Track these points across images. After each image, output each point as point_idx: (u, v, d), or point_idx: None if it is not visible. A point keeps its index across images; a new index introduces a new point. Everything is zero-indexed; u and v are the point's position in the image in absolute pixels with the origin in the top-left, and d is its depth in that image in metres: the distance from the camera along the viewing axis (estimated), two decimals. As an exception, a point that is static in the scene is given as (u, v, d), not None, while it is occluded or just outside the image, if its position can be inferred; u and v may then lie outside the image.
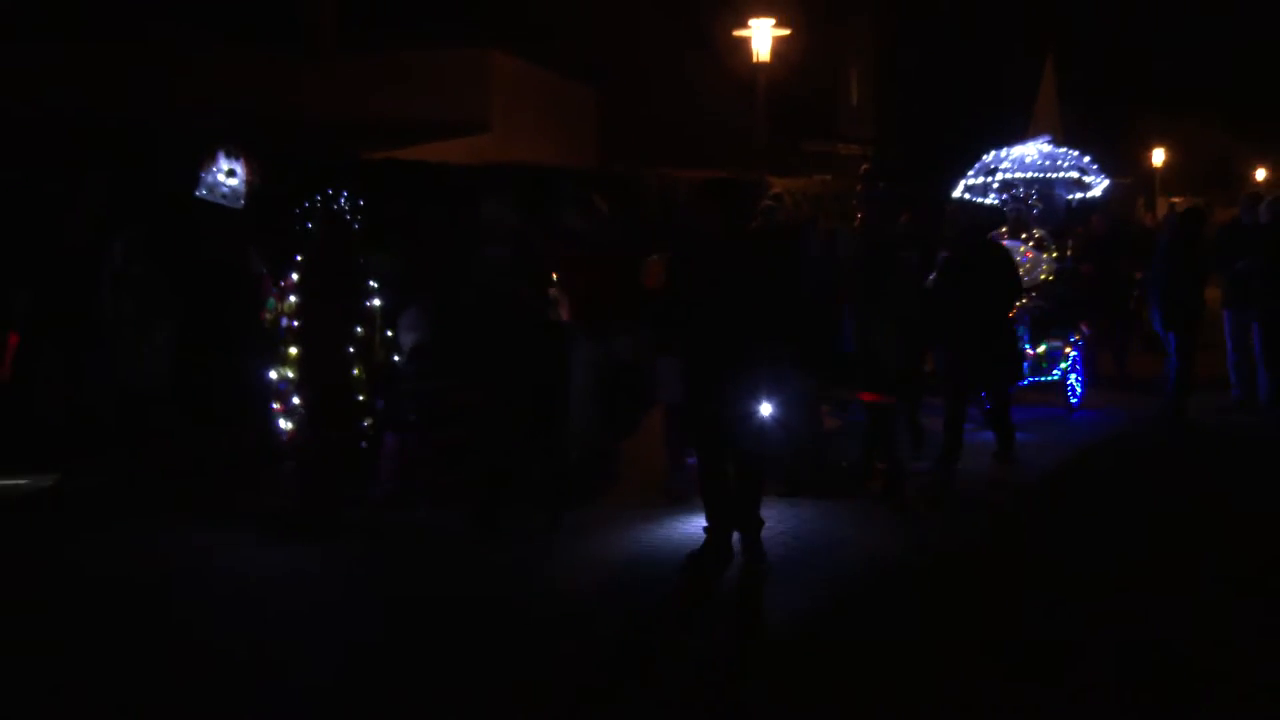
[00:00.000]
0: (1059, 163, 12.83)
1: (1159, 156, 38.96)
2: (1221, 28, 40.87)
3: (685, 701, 5.18)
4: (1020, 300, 10.47)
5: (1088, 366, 12.15)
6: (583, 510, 7.73)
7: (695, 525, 7.35)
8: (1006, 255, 9.56)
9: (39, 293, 8.22)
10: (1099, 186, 13.02)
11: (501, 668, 5.48)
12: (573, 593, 6.49)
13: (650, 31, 21.75)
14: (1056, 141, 13.87)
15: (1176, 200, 30.67)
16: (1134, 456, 10.23)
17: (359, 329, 7.74)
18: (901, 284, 8.55)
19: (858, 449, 8.75)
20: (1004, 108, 26.41)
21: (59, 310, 8.20)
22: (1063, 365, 11.61)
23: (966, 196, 12.45)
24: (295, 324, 7.68)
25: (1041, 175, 12.68)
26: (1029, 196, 12.57)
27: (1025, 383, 11.32)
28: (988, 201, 12.54)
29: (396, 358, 7.92)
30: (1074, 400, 11.78)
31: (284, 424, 7.68)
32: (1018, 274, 9.49)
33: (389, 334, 7.89)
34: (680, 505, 7.93)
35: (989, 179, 12.70)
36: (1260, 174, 41.74)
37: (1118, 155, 34.47)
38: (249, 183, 8.29)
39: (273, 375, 7.71)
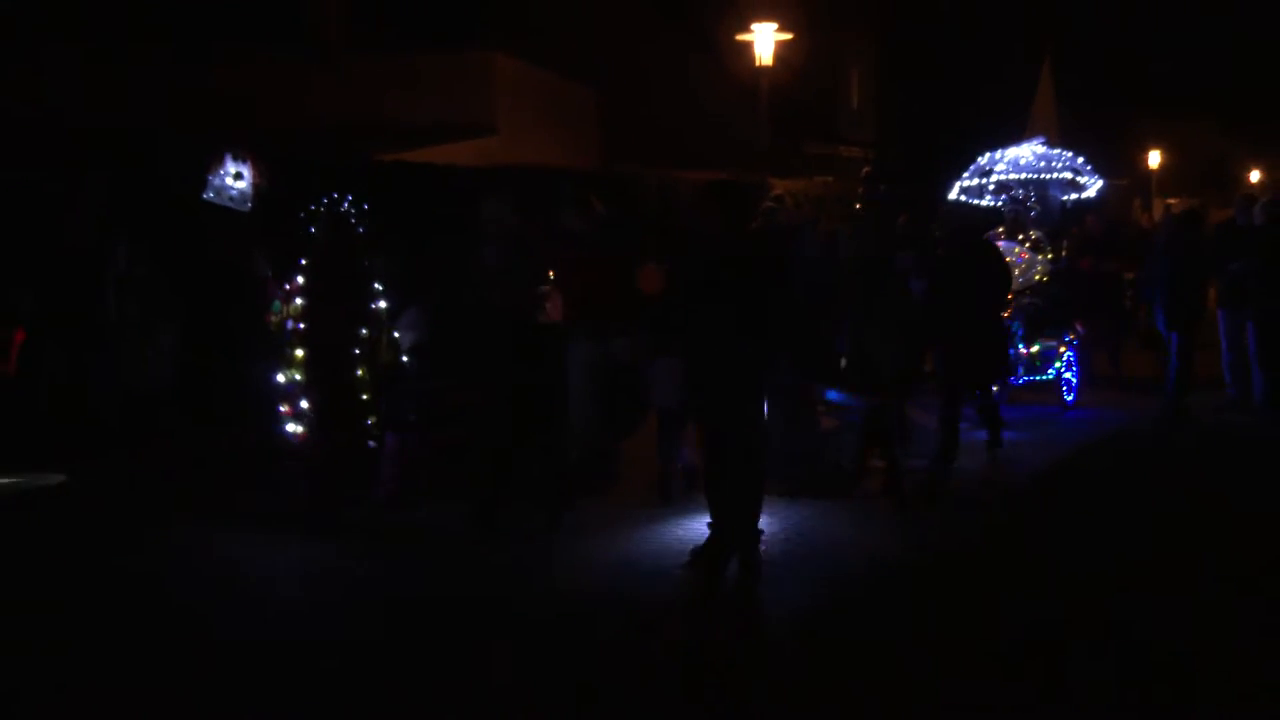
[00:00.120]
0: (1053, 164, 12.76)
1: (1155, 158, 38.83)
2: (1217, 31, 40.72)
3: (685, 701, 5.10)
4: (1009, 299, 10.42)
5: (1082, 366, 12.08)
6: (582, 510, 7.66)
7: (693, 525, 7.30)
8: (998, 254, 9.51)
9: (42, 293, 8.16)
10: (1093, 187, 12.95)
11: (501, 667, 5.40)
12: (572, 592, 6.41)
13: (653, 35, 21.68)
14: (1053, 143, 13.81)
15: (1172, 201, 30.59)
16: (1130, 455, 10.15)
17: (364, 330, 7.66)
18: (898, 286, 8.49)
19: (855, 449, 8.66)
20: (1002, 110, 26.33)
21: (62, 311, 8.14)
22: (1057, 364, 11.56)
23: (962, 198, 12.40)
24: (301, 326, 7.61)
25: (1036, 176, 12.62)
26: (1028, 198, 12.49)
27: (1020, 381, 11.29)
28: (983, 203, 12.49)
29: (405, 358, 7.84)
30: (1069, 399, 11.73)
31: (292, 427, 7.60)
32: (1009, 273, 9.43)
33: (394, 335, 7.81)
34: (677, 505, 7.86)
35: (984, 180, 12.64)
36: (1255, 175, 41.58)
37: (1114, 157, 34.38)
38: (256, 185, 8.21)
39: (279, 378, 7.63)
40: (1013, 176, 12.70)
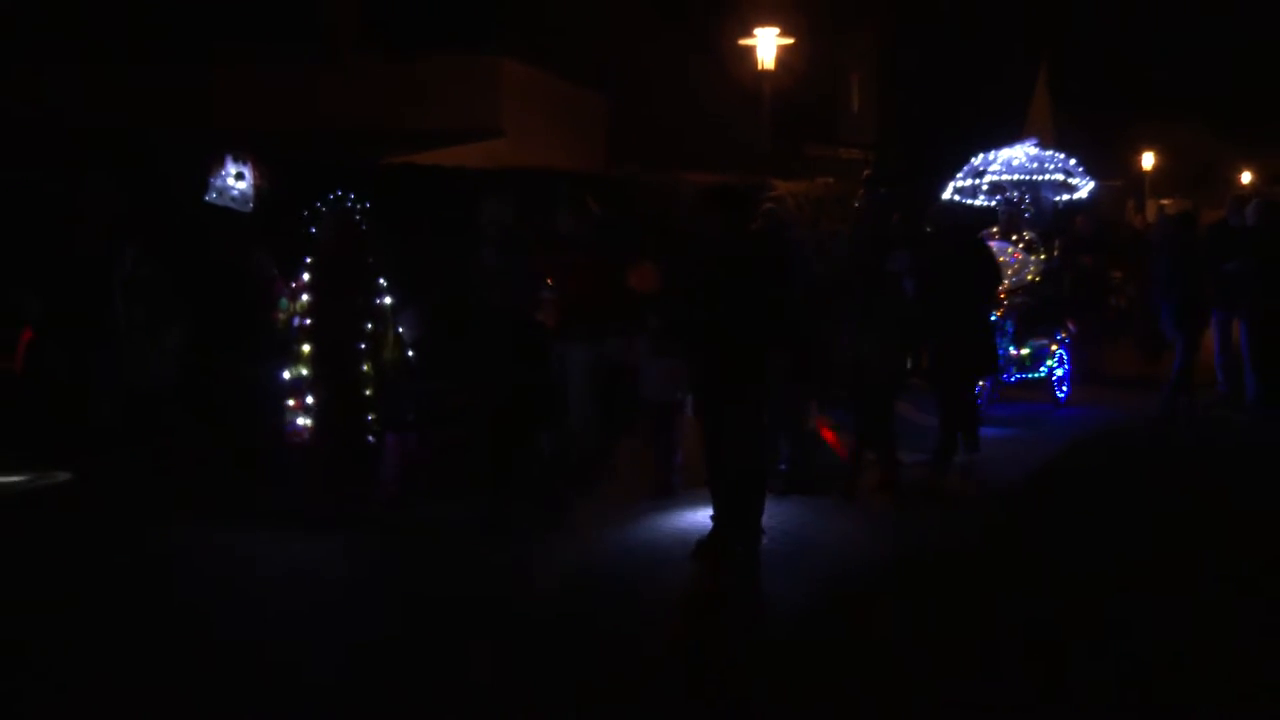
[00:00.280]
0: (1046, 165, 12.66)
1: (1149, 160, 38.69)
2: (1209, 35, 40.59)
3: (686, 699, 4.97)
4: (1000, 300, 10.31)
5: (1074, 364, 11.96)
6: (582, 507, 7.52)
7: (693, 520, 7.16)
8: (988, 253, 9.39)
9: (48, 294, 8.05)
10: (1085, 188, 12.84)
11: (502, 666, 5.26)
12: (571, 591, 6.29)
13: (658, 41, 21.57)
14: (1049, 145, 13.71)
15: (1166, 202, 30.47)
16: (1123, 453, 10.03)
17: (369, 326, 7.54)
18: (893, 286, 8.40)
19: (848, 446, 8.55)
20: (1000, 112, 26.22)
21: (68, 312, 8.03)
22: (1050, 362, 11.46)
23: (956, 198, 12.29)
24: (307, 322, 7.49)
25: (1029, 178, 12.52)
26: (1022, 199, 12.36)
27: (1013, 379, 11.20)
28: (977, 203, 12.37)
29: (411, 353, 7.71)
30: (1061, 396, 11.63)
31: (300, 421, 7.47)
32: (998, 272, 9.30)
33: (399, 331, 7.68)
34: (677, 501, 7.74)
35: (978, 181, 12.53)
36: (1246, 177, 41.40)
37: (1109, 158, 34.27)
38: (257, 186, 8.09)
39: (286, 374, 7.51)
40: (1006, 177, 12.58)
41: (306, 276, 7.57)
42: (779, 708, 4.92)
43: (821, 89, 24.99)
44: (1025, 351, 11.32)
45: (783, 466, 8.10)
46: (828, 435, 8.57)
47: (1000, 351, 10.39)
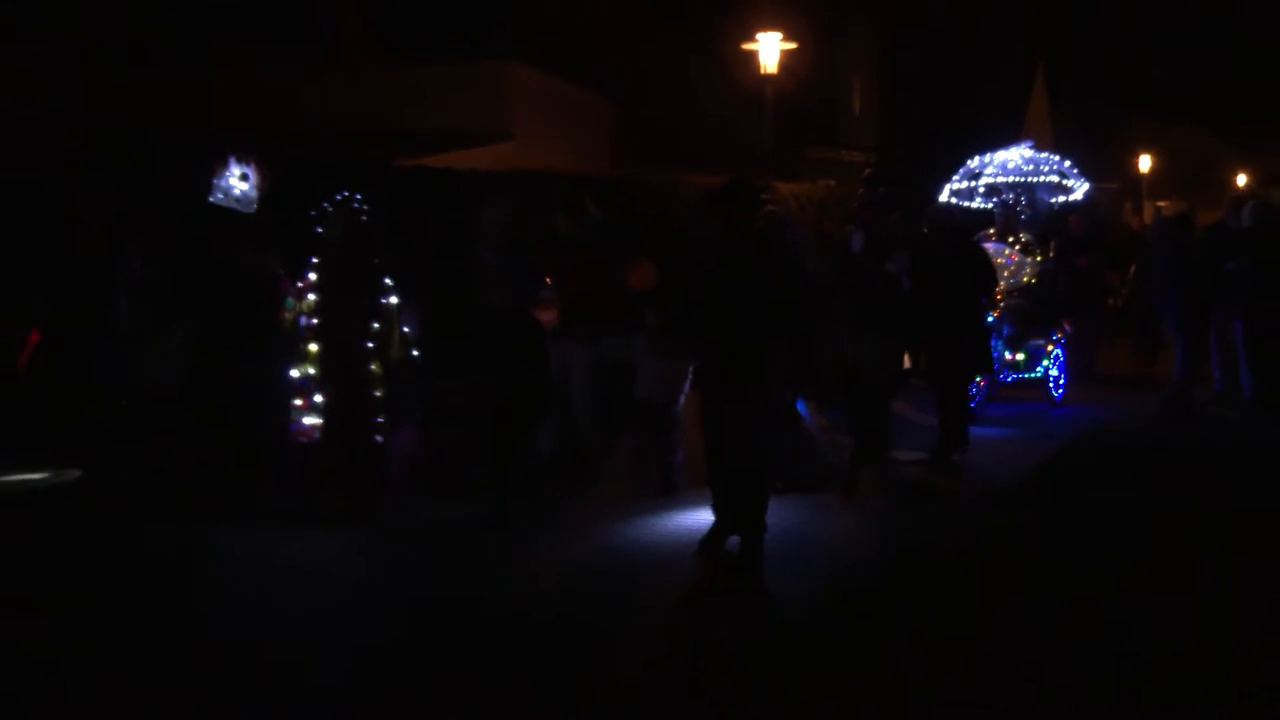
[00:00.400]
0: (1041, 167, 12.56)
1: (1146, 162, 38.55)
2: (1206, 37, 40.44)
3: (687, 699, 4.86)
4: (997, 301, 10.20)
5: (1070, 363, 11.88)
6: (582, 507, 7.41)
7: (692, 521, 7.08)
8: (983, 255, 9.28)
9: (53, 295, 7.97)
10: (1080, 190, 12.74)
11: (502, 666, 5.16)
12: (572, 590, 6.19)
13: (662, 45, 21.51)
14: (1047, 148, 13.62)
15: (1163, 204, 30.30)
16: (1120, 452, 9.90)
17: (376, 325, 7.45)
18: (890, 286, 8.32)
19: (845, 446, 8.45)
20: (998, 114, 26.10)
21: (72, 313, 7.95)
22: (1045, 362, 11.36)
23: (953, 200, 12.19)
24: (314, 322, 7.40)
25: (1024, 180, 12.42)
26: (1018, 201, 12.25)
27: (1010, 379, 11.12)
28: (974, 205, 12.27)
29: (415, 353, 7.62)
30: (1057, 396, 11.57)
31: (306, 421, 7.38)
32: (994, 273, 9.20)
33: (405, 330, 7.59)
34: (677, 501, 7.64)
35: (974, 183, 12.42)
36: (1241, 179, 41.23)
37: (1106, 161, 34.15)
38: (260, 188, 8.01)
39: (294, 373, 7.41)
40: (1002, 180, 12.47)
41: (313, 276, 7.48)
42: (780, 707, 4.81)
43: (823, 92, 24.93)
44: (1021, 357, 11.22)
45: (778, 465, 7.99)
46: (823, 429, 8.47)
47: (996, 354, 10.30)
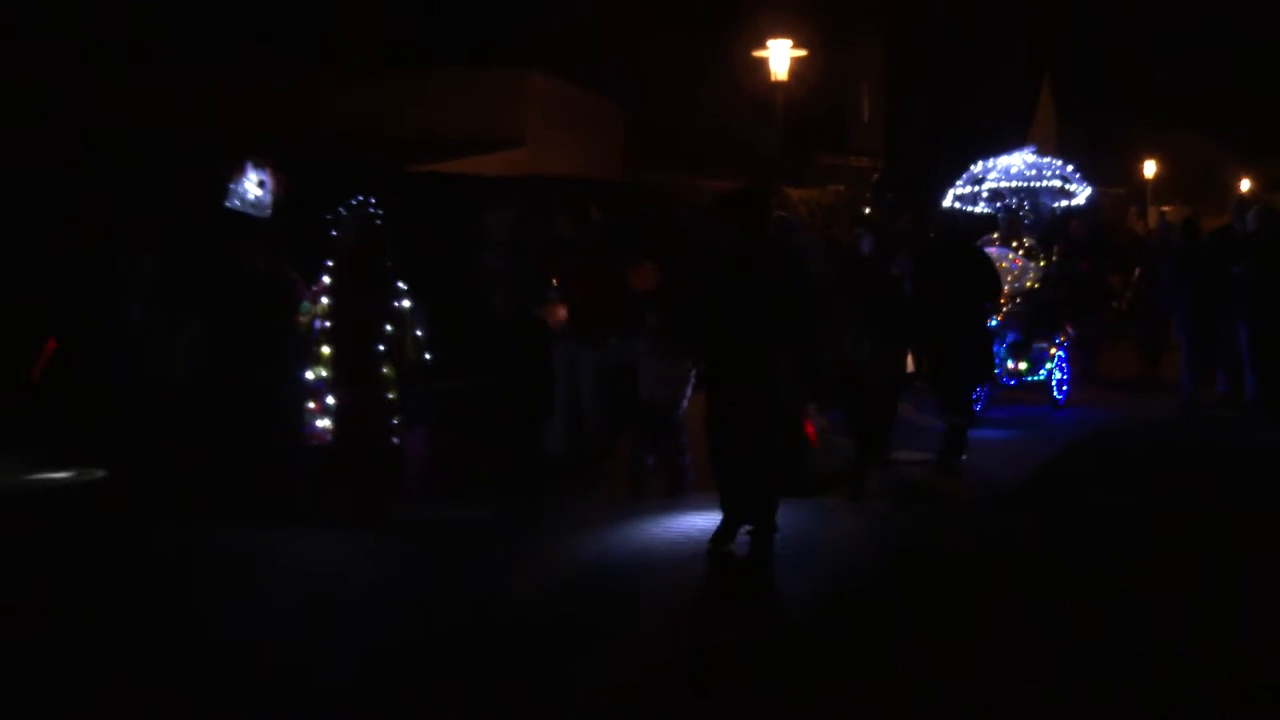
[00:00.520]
0: (1043, 172, 12.47)
1: (1150, 168, 38.37)
2: (1209, 44, 40.22)
3: (692, 699, 4.81)
4: (1004, 307, 10.11)
5: (1072, 366, 11.83)
6: (588, 507, 7.37)
7: (698, 521, 7.00)
8: (985, 260, 9.18)
9: (64, 299, 7.95)
10: (1082, 194, 12.65)
11: (503, 666, 5.10)
12: (575, 590, 6.11)
13: (674, 52, 21.47)
14: (1053, 154, 13.53)
15: (1167, 209, 30.15)
16: (1122, 453, 9.79)
17: (389, 328, 7.40)
18: (894, 289, 8.25)
19: (845, 449, 8.39)
20: (1004, 121, 26.02)
21: (83, 316, 7.92)
22: (1049, 365, 11.27)
23: (956, 205, 12.12)
24: (327, 324, 7.36)
25: (1027, 184, 12.33)
26: (1021, 205, 12.17)
27: (1013, 382, 11.02)
28: (977, 209, 12.20)
29: (427, 356, 7.57)
30: (1059, 398, 11.49)
31: (319, 423, 7.34)
32: (996, 279, 9.09)
33: (418, 333, 7.54)
34: (684, 502, 7.58)
35: (977, 188, 12.34)
36: (1245, 184, 41.00)
37: (1112, 167, 34.00)
38: (275, 193, 7.98)
39: (308, 375, 7.37)
40: (1004, 184, 12.38)
41: (326, 279, 7.44)
42: (781, 708, 4.75)
43: (832, 99, 24.89)
44: (1024, 366, 11.14)
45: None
46: (809, 431, 8.38)
47: (998, 361, 10.21)
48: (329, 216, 7.49)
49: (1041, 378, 11.33)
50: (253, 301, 7.80)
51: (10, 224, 8.52)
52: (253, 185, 7.99)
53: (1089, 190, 12.82)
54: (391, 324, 7.40)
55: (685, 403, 7.89)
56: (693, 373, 7.83)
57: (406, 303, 7.45)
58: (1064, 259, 12.66)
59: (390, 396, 7.36)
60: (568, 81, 19.17)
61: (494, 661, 5.18)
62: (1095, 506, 7.85)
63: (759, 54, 18.99)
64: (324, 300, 7.41)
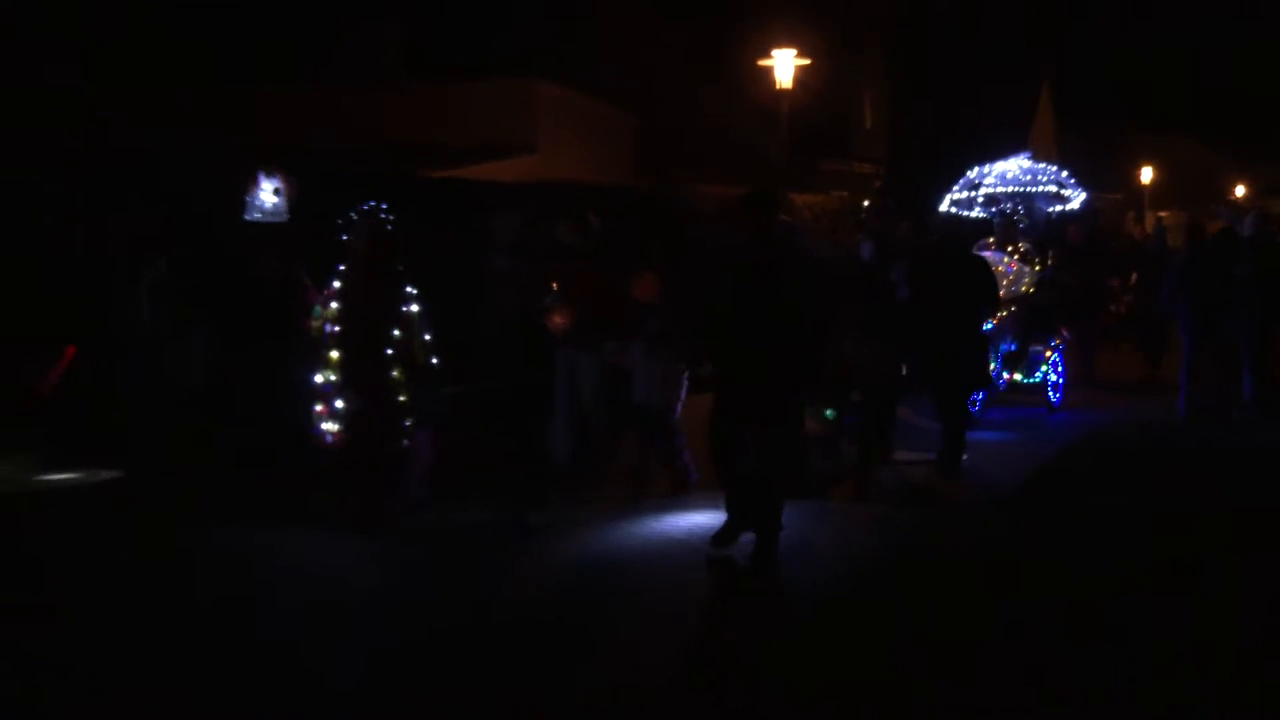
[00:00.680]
0: (1039, 177, 12.35)
1: (1147, 174, 38.20)
2: (1205, 52, 40.07)
3: (695, 699, 4.71)
4: (1000, 313, 9.99)
5: (1068, 369, 11.74)
6: (590, 508, 7.28)
7: (696, 520, 6.91)
8: (983, 266, 9.05)
9: (79, 303, 7.89)
10: (1076, 199, 12.53)
11: (504, 667, 5.01)
12: (577, 591, 6.00)
13: (682, 62, 21.43)
14: (1053, 160, 13.40)
15: (1164, 214, 29.97)
16: (1119, 454, 9.60)
17: (398, 332, 7.31)
18: (890, 294, 8.15)
19: (846, 451, 8.28)
20: (1004, 129, 25.89)
21: (99, 320, 7.86)
22: (1044, 368, 11.17)
23: (953, 210, 12.01)
24: (337, 329, 7.28)
25: (1023, 189, 12.21)
26: (1015, 210, 12.05)
27: (1005, 386, 10.90)
28: (974, 214, 12.08)
29: (435, 360, 7.48)
30: (1055, 400, 11.37)
31: (328, 426, 7.26)
32: (994, 286, 8.96)
33: (426, 337, 7.45)
34: (685, 501, 7.47)
35: (973, 193, 12.22)
36: (1240, 189, 40.81)
37: (1110, 173, 33.86)
38: (289, 197, 7.93)
39: (318, 379, 7.29)
40: (1000, 190, 12.27)
41: (338, 284, 7.37)
42: (782, 707, 4.65)
43: (836, 106, 24.84)
44: (1019, 377, 11.02)
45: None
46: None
47: (995, 370, 10.09)
48: (341, 222, 7.41)
49: (1037, 380, 11.24)
50: (264, 305, 7.72)
51: (39, 236, 8.49)
52: (268, 194, 7.96)
53: (1084, 195, 12.71)
54: (401, 328, 7.32)
55: (680, 405, 7.82)
56: (686, 375, 7.77)
57: (415, 307, 7.37)
58: (1060, 265, 12.55)
59: (400, 400, 7.27)
60: (578, 90, 19.16)
61: (496, 662, 5.08)
62: (1094, 508, 7.70)
63: (764, 63, 18.96)
64: (333, 305, 7.34)
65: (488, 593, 6.03)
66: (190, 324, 7.96)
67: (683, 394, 7.75)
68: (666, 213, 12.43)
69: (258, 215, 8.06)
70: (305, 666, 5.02)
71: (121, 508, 7.38)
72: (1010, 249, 11.54)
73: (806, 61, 18.89)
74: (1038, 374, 11.22)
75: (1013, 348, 10.83)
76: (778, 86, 18.58)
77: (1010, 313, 10.76)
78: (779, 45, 18.57)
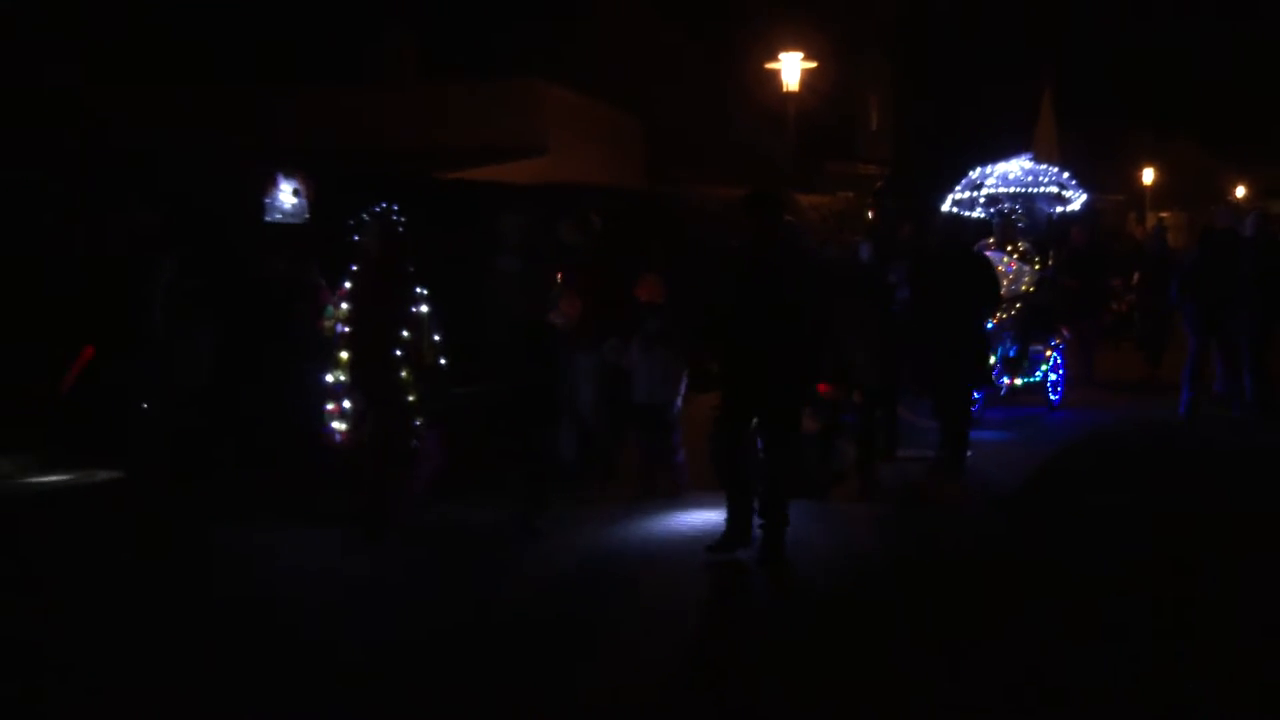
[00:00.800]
0: (1040, 178, 12.23)
1: (1149, 175, 38.00)
2: (1205, 55, 39.82)
3: (696, 698, 4.63)
4: (1000, 313, 9.87)
5: (1068, 368, 11.63)
6: (592, 509, 7.19)
7: (696, 520, 6.82)
8: (985, 265, 8.94)
9: (90, 303, 7.83)
10: (1077, 200, 12.41)
11: (511, 667, 4.93)
12: (578, 591, 5.91)
13: (690, 65, 21.37)
14: (1055, 162, 13.28)
15: (1165, 215, 29.83)
16: (1118, 454, 9.49)
17: (406, 333, 7.24)
18: (888, 295, 8.06)
19: (846, 451, 8.19)
20: (1007, 130, 25.74)
21: (109, 321, 7.79)
22: (1044, 367, 11.06)
23: (955, 210, 11.88)
24: (347, 329, 7.21)
25: (1024, 190, 12.09)
26: (1014, 210, 11.92)
27: (1004, 391, 10.77)
28: (975, 214, 11.96)
29: (443, 361, 7.41)
30: (1055, 399, 11.27)
31: (338, 425, 7.19)
32: (996, 284, 8.85)
33: (435, 338, 7.38)
34: (682, 502, 7.39)
35: (975, 193, 12.10)
36: (1240, 191, 40.58)
37: (1111, 174, 33.70)
38: (307, 197, 7.89)
39: (328, 378, 7.23)
40: (1002, 190, 12.15)
41: (348, 284, 7.30)
42: (782, 707, 4.56)
43: (842, 109, 24.76)
44: (1020, 382, 10.89)
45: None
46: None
47: (995, 372, 9.97)
48: (352, 222, 7.34)
49: (1037, 379, 11.13)
50: (273, 304, 7.66)
51: (49, 237, 8.44)
52: (287, 195, 7.93)
53: (1084, 196, 12.59)
54: (410, 329, 7.25)
55: (679, 401, 7.73)
56: (685, 372, 7.69)
57: (425, 307, 7.30)
58: (1061, 266, 12.43)
59: (409, 400, 7.20)
60: (586, 93, 19.10)
61: (496, 662, 5.00)
62: (1094, 508, 7.58)
63: (771, 66, 18.89)
64: (344, 305, 7.27)
65: (488, 592, 5.95)
66: (198, 324, 7.89)
67: (682, 390, 7.67)
68: (668, 213, 12.33)
69: (278, 216, 8.03)
70: (306, 665, 4.95)
71: (124, 508, 7.31)
72: (1010, 248, 11.43)
73: (813, 65, 18.81)
74: (1037, 373, 11.12)
75: (1012, 352, 10.70)
76: (784, 90, 18.51)
77: (1010, 315, 10.64)
78: (786, 49, 18.50)
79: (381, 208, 7.30)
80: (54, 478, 7.85)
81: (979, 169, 12.15)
